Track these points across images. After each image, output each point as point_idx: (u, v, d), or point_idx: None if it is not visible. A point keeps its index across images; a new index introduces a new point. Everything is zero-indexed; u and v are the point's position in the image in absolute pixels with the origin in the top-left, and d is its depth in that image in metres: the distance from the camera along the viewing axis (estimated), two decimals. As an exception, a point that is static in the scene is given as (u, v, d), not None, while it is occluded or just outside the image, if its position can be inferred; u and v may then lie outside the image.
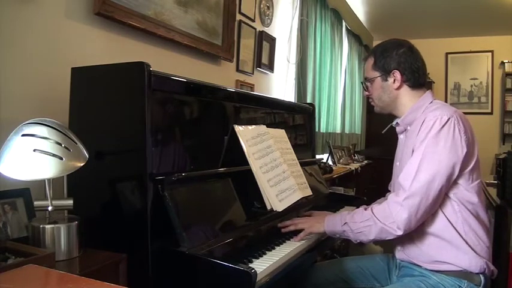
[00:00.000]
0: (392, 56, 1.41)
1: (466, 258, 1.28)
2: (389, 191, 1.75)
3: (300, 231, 1.44)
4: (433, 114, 1.29)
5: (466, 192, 1.30)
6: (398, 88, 1.42)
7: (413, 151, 1.31)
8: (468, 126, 1.30)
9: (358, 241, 1.36)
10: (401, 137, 1.49)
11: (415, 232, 1.31)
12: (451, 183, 1.28)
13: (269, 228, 1.47)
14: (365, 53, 5.70)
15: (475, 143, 1.31)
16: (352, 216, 1.35)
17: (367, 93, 1.51)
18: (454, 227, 1.29)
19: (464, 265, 1.28)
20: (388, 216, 1.27)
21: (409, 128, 1.43)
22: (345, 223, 1.35)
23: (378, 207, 1.32)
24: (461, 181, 1.29)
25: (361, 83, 1.56)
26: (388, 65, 1.42)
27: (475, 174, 1.32)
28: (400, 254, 1.42)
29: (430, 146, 1.26)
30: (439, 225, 1.30)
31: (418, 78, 1.42)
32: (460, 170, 1.27)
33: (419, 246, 1.33)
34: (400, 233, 1.26)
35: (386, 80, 1.43)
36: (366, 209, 1.35)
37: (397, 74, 1.41)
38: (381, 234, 1.28)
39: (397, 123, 1.47)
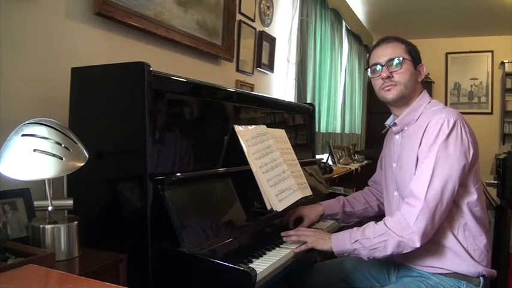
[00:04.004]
0: (416, 49, 1.40)
1: (464, 265, 1.28)
2: (368, 185, 1.76)
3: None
4: (439, 117, 1.26)
5: (470, 194, 1.29)
6: (420, 82, 1.40)
7: (418, 156, 1.28)
8: (470, 128, 1.30)
9: (372, 258, 1.28)
10: (396, 137, 1.44)
11: None
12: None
13: (269, 228, 1.47)
14: (365, 53, 5.70)
15: (477, 144, 1.30)
16: (362, 232, 1.28)
17: (388, 74, 1.34)
18: (453, 233, 1.29)
19: (462, 271, 1.28)
20: (405, 227, 1.21)
21: (406, 128, 1.40)
22: (356, 241, 1.27)
23: (391, 220, 1.26)
24: (467, 183, 1.28)
25: (387, 62, 1.35)
26: (418, 57, 1.39)
27: (478, 176, 1.32)
28: (400, 257, 1.40)
29: (441, 150, 1.22)
30: (439, 232, 1.28)
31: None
32: (467, 172, 1.26)
33: (419, 252, 1.30)
34: (418, 245, 1.20)
35: (415, 69, 1.38)
36: (376, 223, 1.29)
37: (423, 69, 1.40)
38: (398, 248, 1.22)
39: (394, 123, 1.43)
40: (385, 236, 1.24)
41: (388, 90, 1.37)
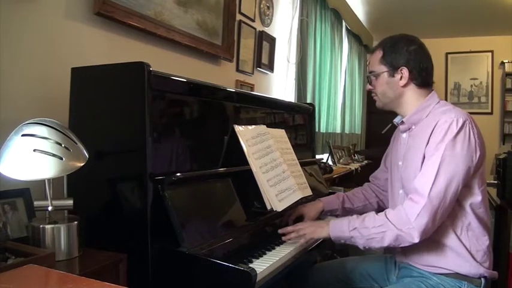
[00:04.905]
0: (403, 52, 1.37)
1: (466, 265, 1.28)
2: (368, 181, 1.78)
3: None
4: (448, 116, 1.26)
5: (475, 195, 1.28)
6: (405, 86, 1.38)
7: (424, 154, 1.28)
8: (479, 130, 1.29)
9: (368, 247, 1.29)
10: (403, 136, 1.45)
11: None
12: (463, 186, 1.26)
13: (269, 228, 1.47)
14: (365, 53, 5.71)
15: (485, 147, 1.30)
16: (362, 221, 1.28)
17: (370, 87, 1.46)
18: (456, 233, 1.28)
19: (464, 271, 1.28)
20: (405, 222, 1.22)
21: (413, 127, 1.40)
22: (354, 228, 1.28)
23: (392, 212, 1.26)
24: (472, 184, 1.28)
25: (367, 76, 1.48)
26: (396, 61, 1.37)
27: (483, 178, 1.32)
28: (400, 256, 1.41)
29: (448, 149, 1.22)
30: (441, 231, 1.28)
31: (425, 77, 1.39)
32: (472, 173, 1.26)
33: (421, 251, 1.31)
34: (417, 240, 1.21)
35: (393, 76, 1.38)
36: (377, 214, 1.29)
37: (405, 71, 1.36)
38: (396, 241, 1.23)
39: (402, 121, 1.43)
40: (384, 227, 1.24)
41: (375, 100, 1.48)
